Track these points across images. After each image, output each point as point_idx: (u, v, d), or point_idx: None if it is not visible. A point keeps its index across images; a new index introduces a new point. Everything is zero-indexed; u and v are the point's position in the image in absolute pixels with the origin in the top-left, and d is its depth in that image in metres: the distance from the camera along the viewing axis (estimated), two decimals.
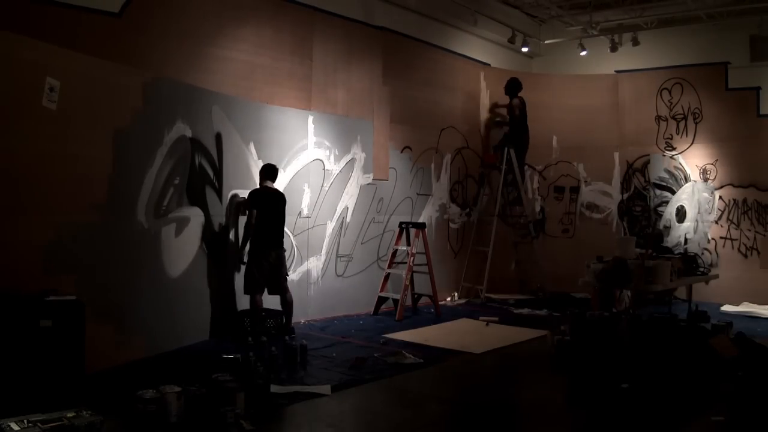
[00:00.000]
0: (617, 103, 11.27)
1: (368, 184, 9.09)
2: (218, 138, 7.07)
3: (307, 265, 8.23)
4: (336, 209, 8.65)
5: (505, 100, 10.76)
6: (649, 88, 11.09)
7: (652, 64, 11.13)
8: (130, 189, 5.84)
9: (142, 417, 4.14)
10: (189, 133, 6.59)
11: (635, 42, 10.74)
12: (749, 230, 10.38)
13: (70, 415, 3.99)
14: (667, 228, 10.87)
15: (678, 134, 10.94)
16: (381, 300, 8.85)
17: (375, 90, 9.19)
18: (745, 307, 9.59)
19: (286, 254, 7.37)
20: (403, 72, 9.61)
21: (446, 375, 6.05)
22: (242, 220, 7.14)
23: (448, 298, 10.17)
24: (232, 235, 7.23)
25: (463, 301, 10.27)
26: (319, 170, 8.39)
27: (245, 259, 6.95)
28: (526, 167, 10.96)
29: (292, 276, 7.84)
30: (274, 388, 5.01)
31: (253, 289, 6.90)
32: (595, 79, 11.37)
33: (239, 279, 7.17)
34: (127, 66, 5.97)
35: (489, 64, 11.34)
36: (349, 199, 8.83)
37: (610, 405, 5.05)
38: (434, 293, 9.00)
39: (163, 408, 4.18)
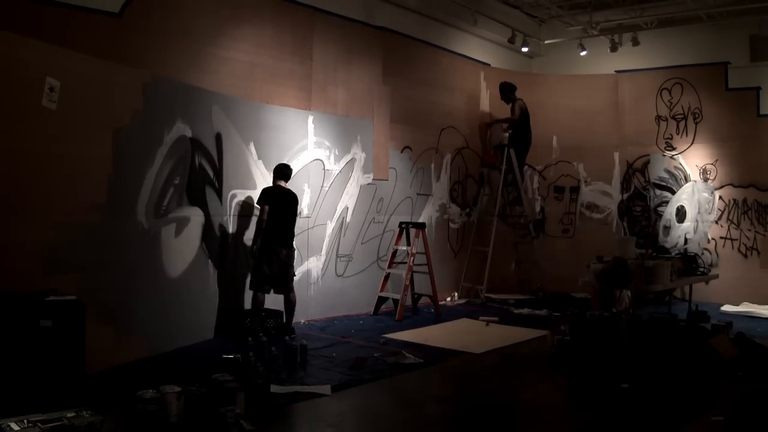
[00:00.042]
0: (617, 103, 11.27)
1: (368, 184, 9.09)
2: (218, 138, 7.06)
3: (307, 265, 8.22)
4: (336, 209, 8.65)
5: (505, 111, 10.71)
6: (649, 88, 11.09)
7: (652, 64, 11.13)
8: (130, 189, 5.84)
9: (142, 417, 4.13)
10: (189, 133, 6.59)
11: (635, 42, 10.74)
12: (749, 230, 10.38)
13: (70, 415, 3.99)
14: (667, 228, 10.88)
15: (678, 134, 10.95)
16: (381, 300, 8.85)
17: (375, 90, 9.19)
18: (745, 307, 9.60)
19: None
20: (403, 72, 9.61)
21: (446, 375, 6.05)
22: (239, 220, 7.15)
23: (448, 298, 10.17)
24: (231, 235, 7.23)
25: (463, 301, 10.27)
26: (319, 170, 8.39)
27: (255, 256, 6.93)
28: (526, 167, 10.97)
29: None
30: (274, 388, 5.01)
31: (260, 286, 6.91)
32: (595, 79, 11.37)
33: (239, 279, 7.17)
34: (127, 66, 5.96)
35: (489, 64, 11.34)
36: (349, 199, 8.83)
37: (610, 405, 5.05)
38: (434, 293, 8.99)
39: (163, 408, 4.18)
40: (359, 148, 8.94)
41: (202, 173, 6.82)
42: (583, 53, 11.16)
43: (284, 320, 7.16)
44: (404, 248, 8.92)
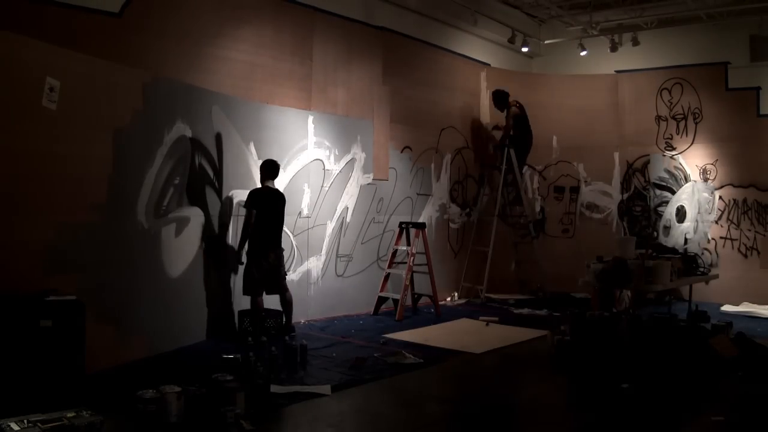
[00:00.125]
0: (617, 103, 11.27)
1: (368, 184, 9.09)
2: (218, 138, 7.06)
3: (307, 265, 8.23)
4: (336, 209, 8.65)
5: (501, 116, 10.69)
6: (649, 88, 11.10)
7: (652, 64, 11.13)
8: (130, 189, 5.83)
9: (142, 417, 4.14)
10: (189, 133, 6.59)
11: (635, 42, 10.74)
12: (749, 230, 10.38)
13: (70, 415, 3.99)
14: (667, 228, 10.88)
15: (678, 134, 10.95)
16: (381, 300, 8.84)
17: (375, 90, 9.19)
18: (745, 307, 9.60)
19: (286, 254, 7.36)
20: (403, 72, 9.61)
21: (446, 375, 6.05)
22: (239, 220, 7.14)
23: (448, 298, 10.17)
24: (231, 235, 7.22)
25: (463, 301, 10.26)
26: (319, 170, 8.39)
27: (243, 260, 6.91)
28: (526, 167, 10.97)
29: (292, 276, 7.85)
30: (274, 388, 5.01)
31: (252, 290, 6.86)
32: (595, 79, 11.37)
33: (238, 279, 7.17)
34: (127, 66, 5.96)
35: (489, 64, 11.34)
36: (349, 199, 8.83)
37: (610, 405, 5.05)
38: (434, 293, 8.99)
39: (163, 408, 4.18)
40: (359, 148, 8.94)
41: (202, 173, 6.82)
42: (583, 53, 11.16)
43: (284, 320, 7.16)
44: (404, 248, 8.92)
